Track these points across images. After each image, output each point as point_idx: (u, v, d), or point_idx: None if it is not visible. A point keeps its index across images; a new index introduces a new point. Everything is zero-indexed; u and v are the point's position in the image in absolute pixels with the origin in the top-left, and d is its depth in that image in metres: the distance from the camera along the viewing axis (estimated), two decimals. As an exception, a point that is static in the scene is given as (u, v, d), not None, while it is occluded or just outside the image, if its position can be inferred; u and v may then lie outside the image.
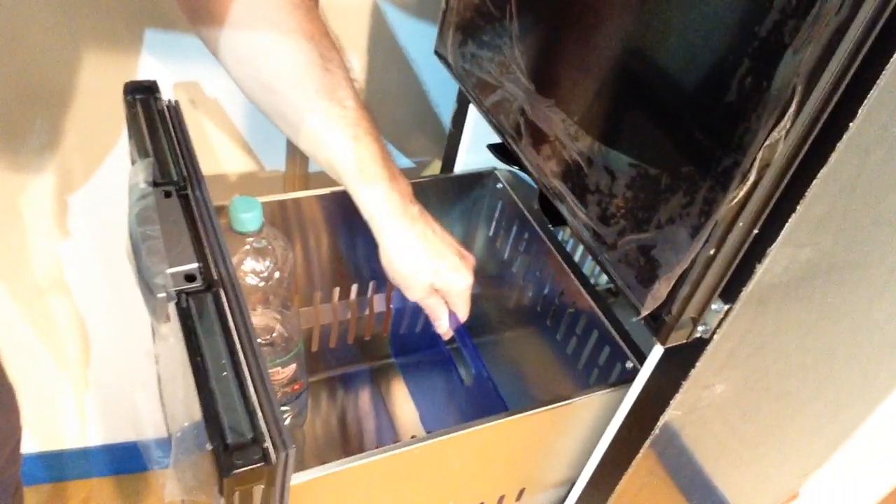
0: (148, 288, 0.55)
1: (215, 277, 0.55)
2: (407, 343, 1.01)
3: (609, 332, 0.72)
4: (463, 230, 0.94)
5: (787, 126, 0.42)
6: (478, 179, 0.88)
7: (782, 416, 0.72)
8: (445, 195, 0.89)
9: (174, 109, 0.70)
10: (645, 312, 0.54)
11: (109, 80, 0.86)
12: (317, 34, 0.62)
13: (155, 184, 0.61)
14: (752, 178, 0.45)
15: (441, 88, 1.01)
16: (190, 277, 0.55)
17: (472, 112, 0.86)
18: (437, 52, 0.81)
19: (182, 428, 0.63)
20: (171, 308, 0.54)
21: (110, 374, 1.25)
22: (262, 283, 0.76)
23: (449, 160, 0.91)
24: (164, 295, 0.54)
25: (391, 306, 0.97)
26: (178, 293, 0.54)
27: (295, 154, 1.01)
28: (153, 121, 0.66)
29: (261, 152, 1.00)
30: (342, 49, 0.65)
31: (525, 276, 0.87)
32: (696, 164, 0.49)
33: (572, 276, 0.78)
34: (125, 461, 1.43)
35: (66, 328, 1.14)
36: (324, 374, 1.00)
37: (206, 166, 0.94)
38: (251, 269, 0.76)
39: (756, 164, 0.44)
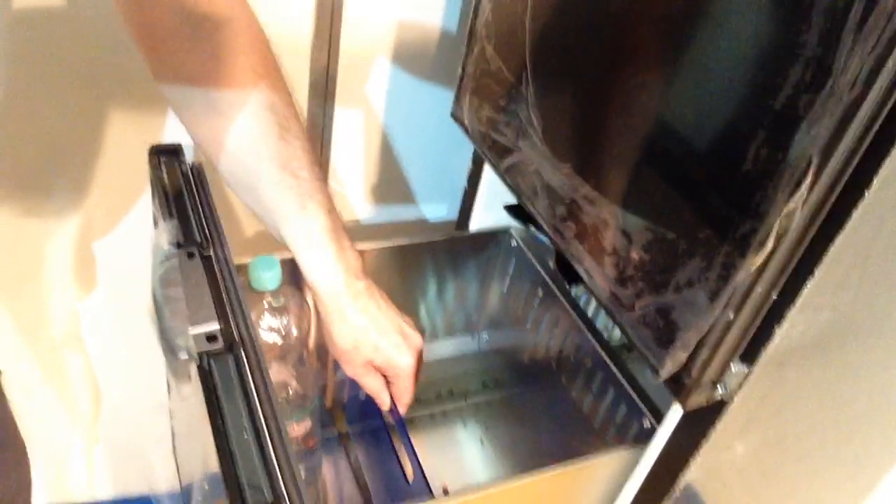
0: (170, 348, 0.55)
1: (236, 338, 0.56)
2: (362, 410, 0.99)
3: (626, 391, 0.72)
4: (477, 287, 0.94)
5: (804, 196, 0.43)
6: (492, 238, 0.90)
7: (802, 477, 0.71)
8: (460, 254, 0.90)
9: (198, 171, 0.71)
10: (665, 376, 0.54)
11: (131, 140, 0.88)
12: (278, 104, 0.62)
13: (178, 245, 0.62)
14: (769, 245, 0.46)
15: (457, 147, 1.03)
16: (211, 338, 0.56)
17: (488, 171, 0.87)
18: (453, 116, 0.83)
19: (204, 483, 0.63)
20: (193, 369, 0.55)
21: (121, 429, 1.25)
22: (279, 341, 0.77)
23: (464, 218, 0.92)
24: (185, 356, 0.54)
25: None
26: (200, 354, 0.54)
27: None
28: (177, 183, 0.68)
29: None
30: (301, 120, 0.65)
31: (539, 333, 0.87)
32: (713, 229, 0.50)
33: (587, 334, 0.78)
34: (134, 514, 1.42)
35: (78, 382, 1.15)
36: (337, 430, 0.99)
37: (228, 225, 0.96)
38: (269, 327, 0.76)
39: (773, 232, 0.45)
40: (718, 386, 0.54)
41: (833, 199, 0.44)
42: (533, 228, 0.84)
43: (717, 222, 0.49)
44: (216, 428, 0.50)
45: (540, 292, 0.85)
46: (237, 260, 0.69)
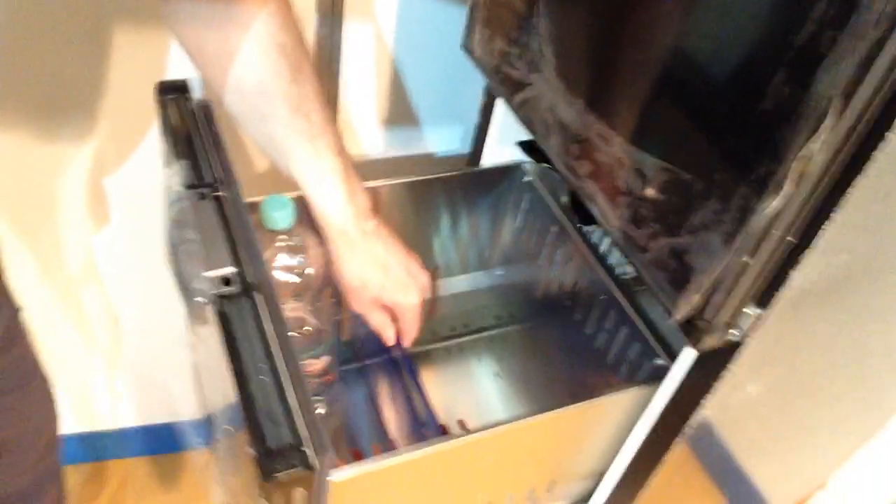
0: (186, 292, 0.56)
1: (250, 281, 0.56)
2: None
3: (638, 329, 0.72)
4: (490, 222, 0.94)
5: (824, 137, 0.42)
6: (505, 173, 0.89)
7: (813, 412, 0.72)
8: (473, 189, 0.89)
9: (205, 108, 0.70)
10: (678, 318, 0.54)
11: (141, 72, 0.87)
12: (289, 45, 0.61)
13: (189, 186, 0.62)
14: (786, 188, 0.45)
15: (469, 79, 1.01)
16: (226, 281, 0.56)
17: (500, 104, 0.86)
18: (464, 47, 0.81)
19: (226, 414, 0.64)
20: (209, 312, 0.55)
21: (142, 360, 1.28)
22: (295, 280, 0.77)
23: (476, 152, 0.91)
24: (202, 299, 0.55)
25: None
26: (216, 298, 0.55)
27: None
28: (185, 122, 0.67)
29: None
30: (312, 61, 0.65)
31: (552, 269, 0.87)
32: (729, 171, 0.49)
33: (600, 271, 0.78)
34: (161, 442, 1.46)
35: (97, 315, 1.17)
36: (355, 364, 1.01)
37: (240, 162, 0.96)
38: (283, 266, 0.76)
39: (791, 174, 0.44)
40: (732, 328, 0.54)
41: (854, 140, 0.43)
42: (546, 166, 0.82)
43: (733, 163, 0.48)
44: (235, 372, 0.51)
45: (553, 228, 0.85)
46: (249, 198, 0.70)
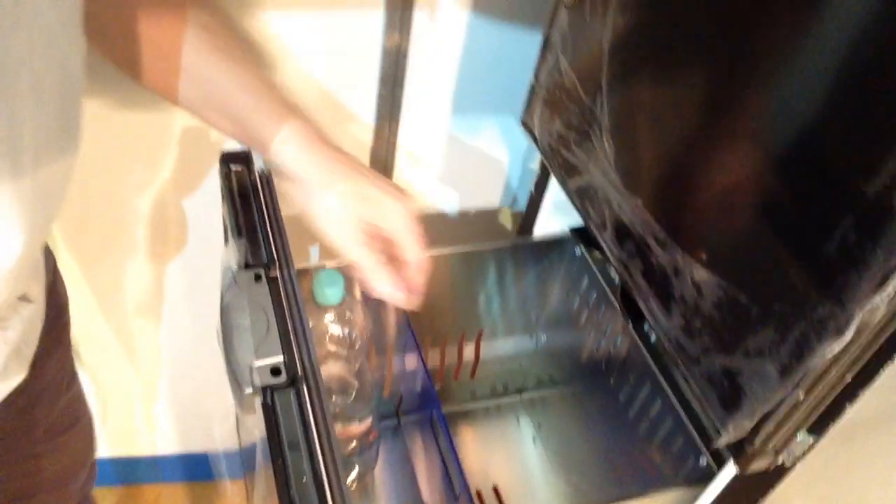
0: (236, 380, 0.57)
1: (299, 372, 0.57)
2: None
3: (683, 424, 0.71)
4: (538, 290, 0.93)
5: (891, 295, 0.41)
6: (557, 244, 0.88)
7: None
8: (523, 258, 0.89)
9: (266, 180, 0.71)
10: (725, 442, 0.53)
11: (202, 127, 0.89)
12: (219, 30, 0.59)
13: (245, 266, 0.63)
14: (848, 336, 0.44)
15: (524, 150, 1.01)
16: (275, 371, 0.56)
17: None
18: (522, 122, 0.81)
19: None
20: (256, 402, 0.56)
21: (182, 390, 1.30)
22: (343, 351, 0.78)
23: (529, 221, 0.91)
24: (250, 390, 0.55)
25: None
26: (264, 389, 0.55)
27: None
28: (246, 197, 0.68)
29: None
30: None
31: (599, 343, 0.86)
32: (789, 305, 0.48)
33: (648, 359, 0.76)
34: (194, 469, 1.48)
35: (143, 348, 1.20)
36: (393, 420, 1.01)
37: (292, 222, 0.97)
38: (332, 336, 0.77)
39: (854, 323, 0.43)
40: (782, 453, 0.53)
41: (921, 297, 0.42)
42: (599, 256, 0.82)
43: (793, 298, 0.47)
44: (277, 471, 0.52)
45: (602, 304, 0.84)
46: (300, 262, 0.69)
